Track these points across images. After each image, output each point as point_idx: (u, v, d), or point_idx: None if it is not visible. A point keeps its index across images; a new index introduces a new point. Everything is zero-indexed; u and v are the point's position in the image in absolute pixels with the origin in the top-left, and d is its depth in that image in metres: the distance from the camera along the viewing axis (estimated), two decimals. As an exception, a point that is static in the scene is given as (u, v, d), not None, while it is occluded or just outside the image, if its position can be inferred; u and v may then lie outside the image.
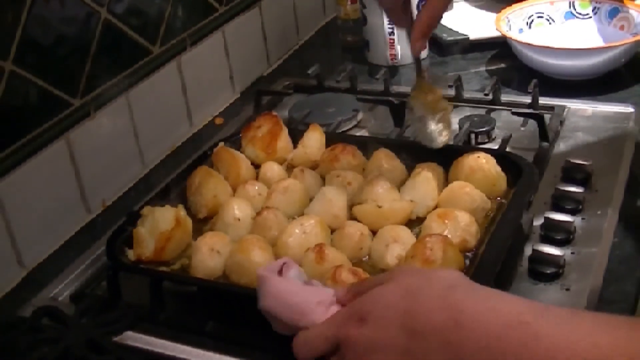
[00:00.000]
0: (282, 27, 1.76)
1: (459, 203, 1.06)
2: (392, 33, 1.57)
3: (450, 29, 1.70)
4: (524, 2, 1.63)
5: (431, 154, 1.15)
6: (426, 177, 1.09)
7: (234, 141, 1.26)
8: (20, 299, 1.09)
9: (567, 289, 0.97)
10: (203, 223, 1.13)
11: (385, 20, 1.56)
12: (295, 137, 1.25)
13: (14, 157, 1.11)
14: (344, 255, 0.99)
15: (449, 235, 0.99)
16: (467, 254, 1.00)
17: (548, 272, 0.99)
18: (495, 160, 1.11)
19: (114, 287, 1.03)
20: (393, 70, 1.61)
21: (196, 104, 1.48)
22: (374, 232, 1.04)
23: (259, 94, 1.50)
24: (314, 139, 1.23)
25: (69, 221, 1.22)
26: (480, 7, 1.85)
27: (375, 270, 1.00)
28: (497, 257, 0.94)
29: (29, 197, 1.14)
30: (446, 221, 1.01)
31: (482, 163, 1.10)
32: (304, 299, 0.83)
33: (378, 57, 1.64)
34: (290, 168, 1.21)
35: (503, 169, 1.11)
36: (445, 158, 1.14)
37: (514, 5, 1.63)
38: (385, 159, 1.16)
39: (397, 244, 1.00)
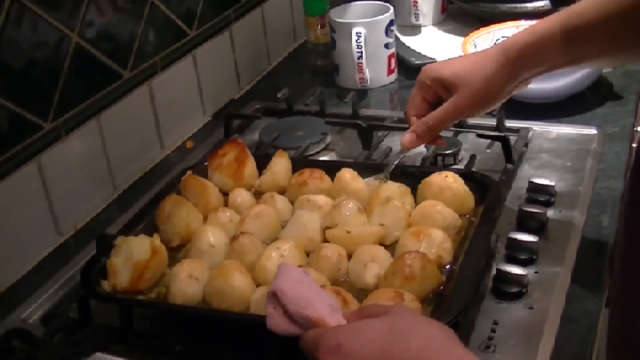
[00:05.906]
0: (253, 51, 1.78)
1: (431, 221, 1.07)
2: (360, 57, 1.58)
3: (419, 53, 1.73)
4: (490, 26, 1.66)
5: (398, 176, 1.17)
6: (395, 207, 1.10)
7: (201, 169, 1.26)
8: (-9, 322, 1.09)
9: (531, 308, 0.99)
10: (175, 251, 1.13)
11: (354, 44, 1.57)
12: (263, 162, 1.25)
13: (-15, 181, 1.11)
14: (323, 276, 1.00)
15: (425, 252, 1.01)
16: (443, 269, 1.02)
17: (512, 291, 1.01)
18: (462, 179, 1.14)
19: (84, 311, 1.03)
20: (362, 93, 1.62)
21: (167, 127, 1.49)
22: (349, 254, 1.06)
23: (228, 118, 1.51)
24: (280, 165, 1.24)
25: (40, 244, 1.22)
26: (448, 32, 1.89)
27: (354, 289, 1.01)
28: (476, 270, 0.97)
29: (0, 219, 1.14)
30: (421, 238, 1.03)
31: (450, 182, 1.12)
32: (318, 295, 0.85)
33: (347, 80, 1.66)
34: (257, 194, 1.22)
35: (469, 188, 1.13)
36: (412, 179, 1.16)
37: (481, 29, 1.66)
38: (349, 179, 1.17)
39: (374, 263, 1.02)
